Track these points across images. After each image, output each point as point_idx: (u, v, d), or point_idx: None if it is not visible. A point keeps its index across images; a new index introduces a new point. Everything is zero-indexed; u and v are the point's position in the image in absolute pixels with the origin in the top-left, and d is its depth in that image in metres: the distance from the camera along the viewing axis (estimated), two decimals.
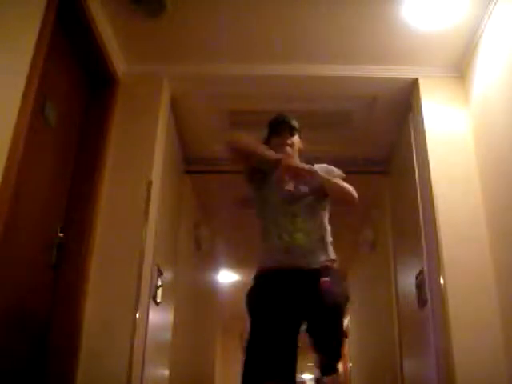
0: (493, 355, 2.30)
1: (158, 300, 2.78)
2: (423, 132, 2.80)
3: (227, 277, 6.92)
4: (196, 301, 4.55)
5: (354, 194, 2.02)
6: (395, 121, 3.25)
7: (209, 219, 4.77)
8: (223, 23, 2.63)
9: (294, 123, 2.13)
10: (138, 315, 2.35)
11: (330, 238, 2.01)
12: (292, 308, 1.85)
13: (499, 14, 2.40)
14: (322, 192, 2.02)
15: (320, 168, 2.08)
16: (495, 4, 2.42)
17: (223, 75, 2.95)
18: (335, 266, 1.97)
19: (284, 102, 3.18)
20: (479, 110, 2.69)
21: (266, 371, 1.77)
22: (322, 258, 1.92)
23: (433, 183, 2.65)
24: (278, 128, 2.12)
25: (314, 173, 1.97)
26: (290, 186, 2.05)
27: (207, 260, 5.33)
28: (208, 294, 5.56)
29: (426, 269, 2.72)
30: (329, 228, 2.04)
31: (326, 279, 1.83)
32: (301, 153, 2.14)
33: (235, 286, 7.30)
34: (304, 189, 2.03)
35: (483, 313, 2.38)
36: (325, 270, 1.88)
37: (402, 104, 3.08)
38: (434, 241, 2.59)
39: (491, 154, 2.54)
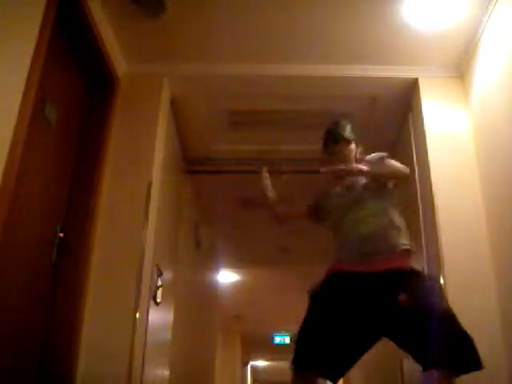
0: (492, 355, 2.28)
1: (158, 300, 2.78)
2: (423, 132, 2.80)
3: (227, 277, 6.92)
4: (196, 301, 4.54)
5: (404, 171, 2.08)
6: (395, 121, 3.25)
7: (209, 219, 4.77)
8: (223, 23, 2.63)
9: (349, 133, 2.17)
10: (138, 315, 2.35)
11: (400, 224, 2.04)
12: (364, 322, 1.83)
13: (499, 14, 2.40)
14: (380, 182, 2.08)
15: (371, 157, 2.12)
16: (495, 4, 2.42)
17: (223, 75, 2.95)
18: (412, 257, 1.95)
19: (284, 102, 3.19)
20: (479, 109, 2.69)
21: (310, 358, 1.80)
22: (395, 242, 1.94)
23: (433, 183, 2.65)
24: (335, 137, 2.17)
25: (352, 169, 1.99)
26: (343, 188, 2.13)
27: (207, 260, 5.33)
28: (208, 294, 5.56)
29: (426, 269, 2.72)
30: (397, 217, 2.06)
31: (403, 296, 1.75)
32: (360, 159, 2.16)
33: (235, 286, 7.31)
34: (359, 184, 2.09)
35: (483, 313, 2.38)
36: (401, 277, 1.84)
37: (402, 104, 3.08)
38: (434, 241, 2.59)
39: (491, 154, 2.54)
